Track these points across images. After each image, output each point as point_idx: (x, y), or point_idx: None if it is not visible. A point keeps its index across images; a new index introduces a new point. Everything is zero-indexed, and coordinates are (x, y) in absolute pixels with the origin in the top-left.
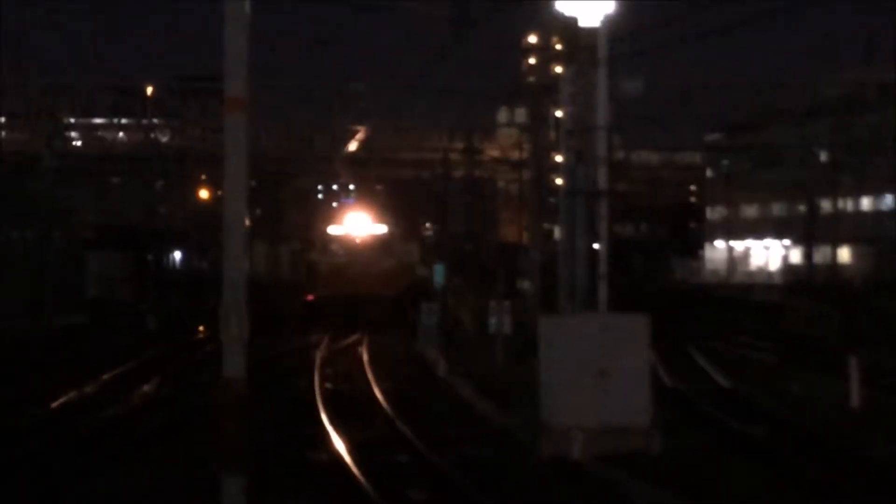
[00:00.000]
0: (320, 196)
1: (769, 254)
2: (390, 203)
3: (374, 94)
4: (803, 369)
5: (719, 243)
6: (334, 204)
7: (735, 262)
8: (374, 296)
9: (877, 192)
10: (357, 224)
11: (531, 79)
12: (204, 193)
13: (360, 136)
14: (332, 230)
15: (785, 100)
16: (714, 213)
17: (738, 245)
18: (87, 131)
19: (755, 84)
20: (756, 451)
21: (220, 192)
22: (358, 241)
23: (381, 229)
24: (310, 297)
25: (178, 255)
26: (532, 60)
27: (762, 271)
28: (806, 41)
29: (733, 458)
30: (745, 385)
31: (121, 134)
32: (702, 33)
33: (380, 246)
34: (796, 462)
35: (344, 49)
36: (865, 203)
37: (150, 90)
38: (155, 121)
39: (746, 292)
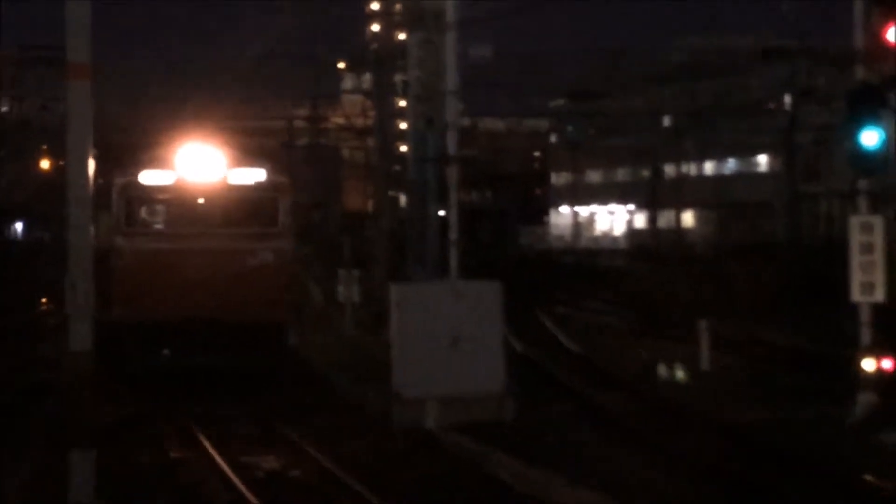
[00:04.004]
0: None
1: (614, 219)
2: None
3: (219, 62)
4: (652, 334)
5: (564, 209)
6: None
7: (580, 227)
8: (241, 319)
9: (719, 158)
10: (202, 165)
11: (375, 46)
12: (45, 164)
13: (202, 104)
14: (147, 177)
15: (630, 66)
16: (559, 179)
17: (584, 211)
18: None
19: (600, 50)
20: (607, 417)
21: (61, 163)
22: (203, 199)
23: (257, 175)
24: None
25: (19, 227)
26: (375, 27)
27: (607, 236)
28: (650, 7)
29: (585, 424)
30: (596, 351)
31: None
32: None
33: (248, 211)
34: (646, 428)
35: (186, 18)
36: (708, 168)
37: None
38: None
39: (592, 257)
